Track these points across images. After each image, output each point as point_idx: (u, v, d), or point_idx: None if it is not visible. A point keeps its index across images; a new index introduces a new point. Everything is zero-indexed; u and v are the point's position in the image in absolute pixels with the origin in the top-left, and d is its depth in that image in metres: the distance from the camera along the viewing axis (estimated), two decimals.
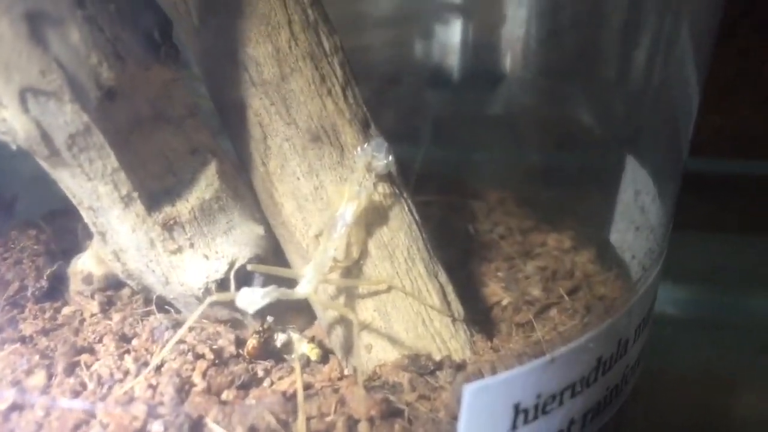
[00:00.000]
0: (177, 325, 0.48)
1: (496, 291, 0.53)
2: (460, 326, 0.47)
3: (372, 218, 0.47)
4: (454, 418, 0.39)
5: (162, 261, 0.48)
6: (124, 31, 0.42)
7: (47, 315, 0.50)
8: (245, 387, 0.44)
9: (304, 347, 0.48)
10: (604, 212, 0.55)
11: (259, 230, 0.49)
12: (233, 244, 0.48)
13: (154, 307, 0.51)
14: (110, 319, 0.50)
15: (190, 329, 0.47)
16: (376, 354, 0.47)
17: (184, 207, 0.47)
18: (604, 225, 0.55)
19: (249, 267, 0.46)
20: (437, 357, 0.45)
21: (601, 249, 0.56)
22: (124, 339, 0.47)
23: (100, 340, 0.47)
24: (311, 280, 0.44)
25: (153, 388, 0.43)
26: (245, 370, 0.45)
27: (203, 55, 0.48)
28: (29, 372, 0.44)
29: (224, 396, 0.43)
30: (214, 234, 0.48)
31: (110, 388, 0.43)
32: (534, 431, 0.40)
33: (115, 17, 0.41)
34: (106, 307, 0.51)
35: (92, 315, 0.50)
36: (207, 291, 0.48)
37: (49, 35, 0.39)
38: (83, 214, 0.48)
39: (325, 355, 0.49)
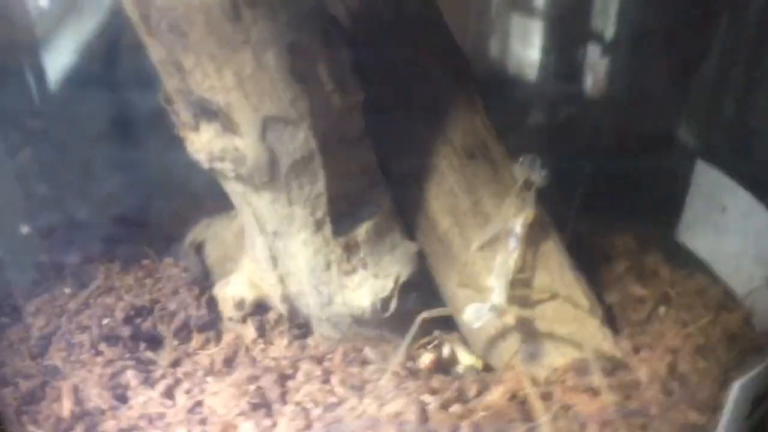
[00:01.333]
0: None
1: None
2: (606, 328, 0.51)
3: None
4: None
5: (332, 282, 0.49)
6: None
7: (213, 345, 0.50)
8: (463, 401, 0.46)
9: (466, 358, 0.51)
10: None
11: (414, 248, 0.51)
12: (396, 262, 0.50)
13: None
14: (271, 343, 0.49)
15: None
16: (548, 359, 0.50)
17: (362, 228, 0.48)
18: None
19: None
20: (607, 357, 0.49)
21: None
22: (319, 362, 0.48)
23: (294, 366, 0.47)
24: (501, 292, 0.47)
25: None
26: (443, 384, 0.47)
27: None
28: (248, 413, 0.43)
29: (453, 410, 0.44)
30: (382, 253, 0.50)
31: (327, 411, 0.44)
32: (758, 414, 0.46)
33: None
34: (261, 332, 0.50)
35: (253, 341, 0.49)
36: (373, 309, 0.50)
37: (302, 67, 0.40)
38: (256, 240, 0.49)
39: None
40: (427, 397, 0.44)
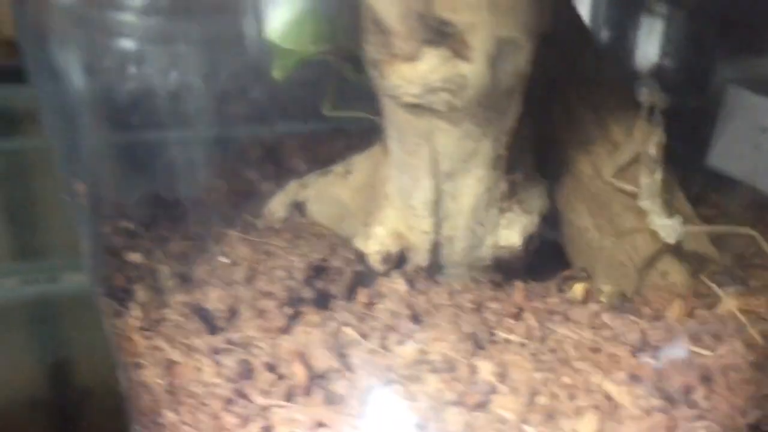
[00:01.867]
0: None
1: None
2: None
3: None
4: None
5: (488, 221, 0.49)
6: None
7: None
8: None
9: (605, 286, 0.53)
10: None
11: (544, 182, 0.52)
12: (537, 196, 0.51)
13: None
14: (424, 293, 0.48)
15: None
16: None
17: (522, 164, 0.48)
18: None
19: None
20: None
21: None
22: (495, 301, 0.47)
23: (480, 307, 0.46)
24: (661, 210, 0.49)
25: None
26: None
27: None
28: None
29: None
30: (527, 188, 0.50)
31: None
32: None
33: None
34: (410, 283, 0.49)
35: (406, 292, 0.48)
36: (524, 245, 0.50)
37: None
38: (417, 185, 0.47)
39: None
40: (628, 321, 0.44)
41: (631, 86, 0.51)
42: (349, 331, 0.41)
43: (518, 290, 0.46)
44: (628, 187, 0.50)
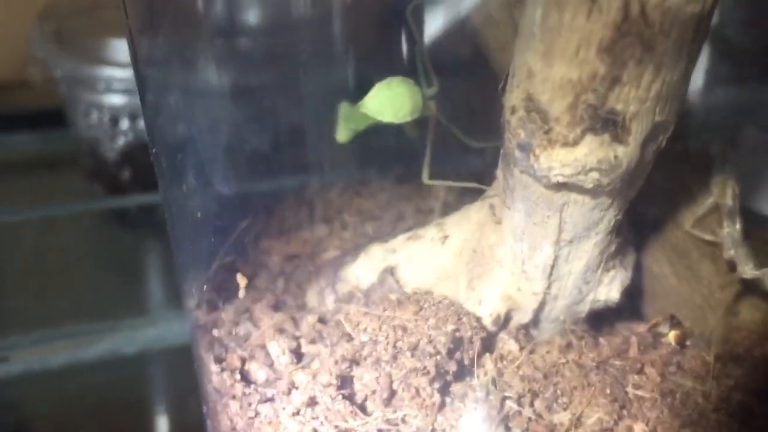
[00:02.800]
0: None
1: None
2: None
3: None
4: None
5: (593, 280, 0.51)
6: None
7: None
8: None
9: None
10: None
11: (633, 236, 0.56)
12: (630, 251, 0.54)
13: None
14: (532, 351, 0.51)
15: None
16: None
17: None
18: None
19: None
20: None
21: None
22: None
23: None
24: (747, 258, 0.53)
25: None
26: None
27: None
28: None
29: None
30: (624, 245, 0.53)
31: None
32: None
33: None
34: (518, 342, 0.52)
35: (520, 350, 0.51)
36: (620, 299, 0.53)
37: None
38: (536, 252, 0.49)
39: None
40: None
41: (704, 139, 0.53)
42: (509, 403, 0.42)
43: (633, 345, 0.49)
44: (707, 237, 0.53)
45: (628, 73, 0.37)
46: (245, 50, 0.66)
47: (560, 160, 0.41)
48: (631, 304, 0.55)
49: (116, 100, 0.73)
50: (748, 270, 0.50)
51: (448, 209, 0.63)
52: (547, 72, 0.38)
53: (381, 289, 0.52)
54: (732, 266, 0.52)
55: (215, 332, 0.51)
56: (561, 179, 0.42)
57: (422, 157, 0.55)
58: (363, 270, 0.54)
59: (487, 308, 0.49)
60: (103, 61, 0.72)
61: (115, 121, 0.76)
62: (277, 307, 0.53)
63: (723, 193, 0.53)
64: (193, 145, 0.61)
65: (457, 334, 0.46)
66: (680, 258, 0.54)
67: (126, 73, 0.77)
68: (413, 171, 0.58)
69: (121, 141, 0.81)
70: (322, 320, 0.51)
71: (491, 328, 0.49)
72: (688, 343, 0.53)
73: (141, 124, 0.79)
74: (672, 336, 0.52)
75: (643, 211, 0.54)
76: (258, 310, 0.53)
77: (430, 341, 0.45)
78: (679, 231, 0.54)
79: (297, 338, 0.49)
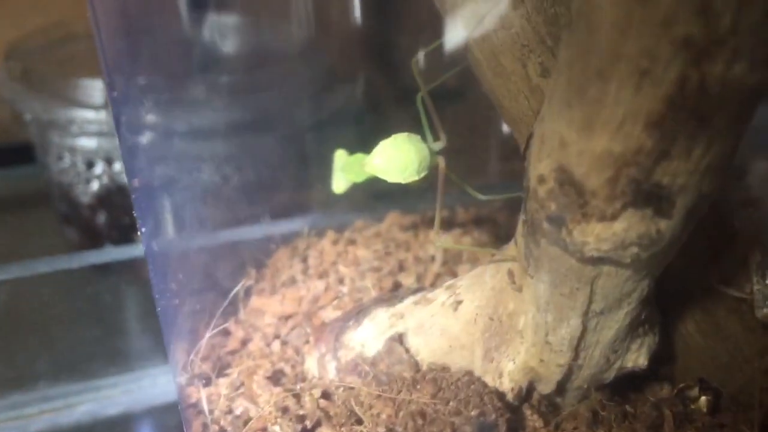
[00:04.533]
0: None
1: None
2: None
3: None
4: None
5: (621, 348, 0.48)
6: None
7: None
8: None
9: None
10: None
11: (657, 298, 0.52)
12: (656, 314, 0.51)
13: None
14: (558, 426, 0.47)
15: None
16: None
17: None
18: None
19: None
20: None
21: None
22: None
23: None
24: None
25: None
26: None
27: None
28: None
29: None
30: (651, 309, 0.50)
31: None
32: None
33: None
34: (541, 415, 0.48)
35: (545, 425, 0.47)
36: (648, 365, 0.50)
37: None
38: (561, 323, 0.45)
39: None
40: None
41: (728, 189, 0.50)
42: None
43: (668, 419, 0.45)
44: (737, 293, 0.49)
45: (678, 146, 0.33)
46: (229, 89, 0.62)
47: (596, 235, 0.37)
48: (656, 364, 0.51)
49: (90, 143, 0.68)
50: None
51: (449, 260, 0.59)
52: (584, 144, 0.34)
53: (389, 359, 0.48)
54: (765, 325, 0.48)
55: (208, 413, 0.46)
56: (596, 254, 0.38)
57: (416, 195, 0.52)
58: (368, 336, 0.50)
59: (508, 382, 0.45)
60: (75, 103, 0.66)
61: (89, 164, 0.70)
62: (275, 378, 0.48)
63: (751, 247, 0.49)
64: (176, 190, 0.56)
65: (482, 418, 0.41)
66: (705, 315, 0.50)
67: (99, 115, 0.71)
68: (408, 211, 0.54)
69: (95, 185, 0.76)
70: (326, 395, 0.47)
71: (513, 402, 0.45)
72: (720, 408, 0.49)
73: (117, 167, 0.74)
74: (703, 403, 0.48)
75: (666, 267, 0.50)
76: (255, 384, 0.48)
77: (455, 431, 0.40)
78: (705, 288, 0.49)
79: (302, 419, 0.44)
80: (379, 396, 0.43)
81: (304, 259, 0.61)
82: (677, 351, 0.52)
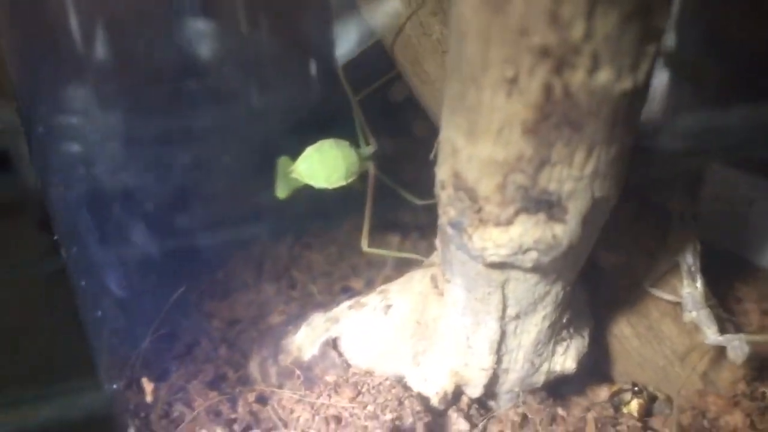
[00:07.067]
0: None
1: None
2: None
3: None
4: None
5: (546, 351, 0.48)
6: None
7: None
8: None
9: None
10: None
11: (589, 301, 0.52)
12: (586, 318, 0.51)
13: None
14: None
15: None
16: None
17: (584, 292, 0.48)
18: None
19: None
20: None
21: None
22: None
23: None
24: (711, 322, 0.50)
25: None
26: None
27: None
28: None
29: None
30: (579, 313, 0.50)
31: None
32: None
33: None
34: (469, 419, 0.48)
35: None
36: (577, 368, 0.50)
37: None
38: (480, 327, 0.46)
39: None
40: None
41: (661, 192, 0.50)
42: None
43: (590, 423, 0.45)
44: (668, 297, 0.49)
45: (558, 153, 0.33)
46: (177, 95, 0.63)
47: (494, 240, 0.37)
48: (595, 366, 0.52)
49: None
50: (710, 335, 0.46)
51: (402, 264, 0.59)
52: (471, 150, 0.35)
53: (323, 363, 0.49)
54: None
55: (143, 418, 0.47)
56: (497, 259, 0.38)
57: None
58: (305, 341, 0.50)
59: (433, 386, 0.46)
60: None
61: None
62: (214, 383, 0.49)
63: (681, 249, 0.49)
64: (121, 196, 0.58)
65: (398, 422, 0.42)
66: (640, 318, 0.50)
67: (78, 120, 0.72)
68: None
69: None
70: (261, 399, 0.47)
71: (438, 406, 0.45)
72: (652, 411, 0.49)
73: (95, 170, 0.75)
74: (634, 407, 0.48)
75: (599, 271, 0.50)
76: (193, 389, 0.49)
77: None
78: (639, 290, 0.49)
79: (231, 422, 0.45)
80: (299, 401, 0.43)
81: (259, 264, 0.62)
82: (615, 354, 0.52)
